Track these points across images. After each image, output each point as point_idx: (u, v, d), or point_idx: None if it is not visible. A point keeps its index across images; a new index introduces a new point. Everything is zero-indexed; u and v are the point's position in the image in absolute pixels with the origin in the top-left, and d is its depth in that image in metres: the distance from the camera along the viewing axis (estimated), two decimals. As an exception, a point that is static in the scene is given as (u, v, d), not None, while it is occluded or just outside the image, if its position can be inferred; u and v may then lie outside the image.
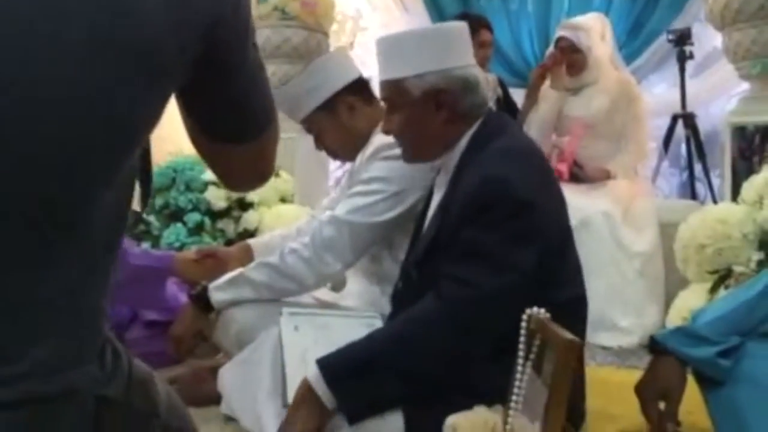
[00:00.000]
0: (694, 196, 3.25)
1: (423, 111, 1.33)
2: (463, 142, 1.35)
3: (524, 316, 1.02)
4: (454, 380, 1.19)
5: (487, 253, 1.19)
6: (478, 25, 2.88)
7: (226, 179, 0.89)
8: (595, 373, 1.88)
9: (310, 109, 1.75)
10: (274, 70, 3.40)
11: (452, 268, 1.22)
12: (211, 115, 0.80)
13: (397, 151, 1.64)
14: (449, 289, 1.20)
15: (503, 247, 1.19)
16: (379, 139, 1.69)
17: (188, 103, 0.80)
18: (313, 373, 1.18)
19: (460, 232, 1.23)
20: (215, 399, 1.62)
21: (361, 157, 1.76)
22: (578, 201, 2.65)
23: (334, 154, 1.85)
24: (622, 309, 2.47)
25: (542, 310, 1.00)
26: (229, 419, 1.57)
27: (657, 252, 2.59)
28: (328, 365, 1.19)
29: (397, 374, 1.17)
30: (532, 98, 3.03)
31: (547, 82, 2.99)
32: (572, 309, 1.28)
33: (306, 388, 1.17)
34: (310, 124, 1.79)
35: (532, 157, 1.32)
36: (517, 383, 1.01)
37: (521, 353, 1.01)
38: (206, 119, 0.80)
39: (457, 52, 1.35)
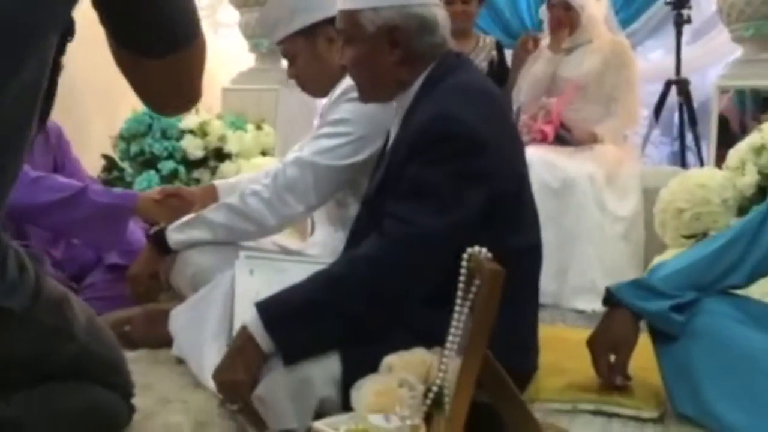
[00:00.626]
0: (684, 165, 3.21)
1: (376, 48, 1.30)
2: (418, 82, 1.32)
3: (465, 255, 0.99)
4: (396, 322, 1.17)
5: (431, 190, 1.17)
6: None
7: (149, 99, 0.86)
8: (557, 332, 1.87)
9: (290, 32, 1.71)
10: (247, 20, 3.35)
11: (395, 207, 1.20)
12: (127, 24, 0.76)
13: None
14: (391, 228, 1.17)
15: (448, 185, 1.16)
16: (348, 80, 1.65)
17: (104, 12, 0.76)
18: (251, 316, 1.16)
19: (406, 169, 1.20)
20: (168, 341, 1.61)
21: (329, 99, 1.72)
22: (563, 163, 2.62)
23: (303, 85, 1.81)
24: (603, 273, 2.46)
25: (484, 250, 0.98)
26: (180, 362, 1.56)
27: (639, 217, 2.57)
28: (265, 308, 1.16)
29: (336, 314, 1.14)
30: (517, 68, 2.98)
31: (544, 43, 2.93)
32: (526, 258, 1.26)
33: (245, 334, 1.15)
34: (287, 46, 1.74)
35: (487, 96, 1.28)
36: (454, 323, 0.98)
37: (460, 293, 0.98)
38: (122, 29, 0.77)
39: None
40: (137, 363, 1.62)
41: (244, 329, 1.15)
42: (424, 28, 1.29)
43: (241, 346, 1.14)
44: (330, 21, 1.68)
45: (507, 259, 1.00)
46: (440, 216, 1.15)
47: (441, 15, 1.33)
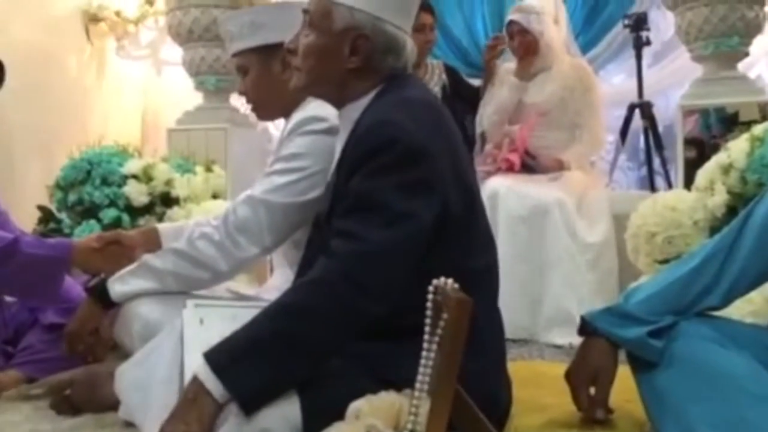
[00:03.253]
0: (653, 189, 3.29)
1: (335, 47, 1.31)
2: (369, 97, 1.33)
3: (431, 288, 0.99)
4: (357, 361, 1.15)
5: (375, 202, 1.16)
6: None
7: None
8: (534, 367, 1.87)
9: (245, 46, 1.73)
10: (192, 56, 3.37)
11: (342, 224, 1.19)
12: None
13: (320, 125, 1.61)
14: (339, 247, 1.16)
15: (393, 196, 1.15)
16: (301, 113, 1.66)
17: None
18: (200, 364, 1.13)
19: (350, 183, 1.20)
20: (115, 404, 1.56)
21: (282, 133, 1.73)
22: (531, 191, 2.67)
23: (251, 104, 1.82)
24: (576, 303, 2.49)
25: (450, 281, 0.98)
26: (129, 425, 1.51)
27: (610, 244, 2.62)
28: (214, 352, 1.13)
29: (289, 347, 1.11)
30: (487, 77, 3.06)
31: (511, 65, 3.02)
32: (483, 277, 1.26)
33: (195, 384, 1.11)
34: (241, 60, 1.76)
35: (429, 109, 1.30)
36: (423, 361, 0.97)
37: (428, 328, 0.98)
38: None
39: (398, 10, 1.34)
40: (81, 429, 1.56)
41: (194, 379, 1.12)
42: (390, 48, 1.32)
43: (193, 397, 1.10)
44: None
45: (465, 280, 1.00)
46: (390, 228, 1.14)
47: (410, 44, 1.36)
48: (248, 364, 1.11)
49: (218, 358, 1.12)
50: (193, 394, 1.11)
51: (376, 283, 1.14)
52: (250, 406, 1.09)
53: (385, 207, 1.16)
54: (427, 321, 0.98)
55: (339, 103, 1.39)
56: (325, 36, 1.32)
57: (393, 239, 1.14)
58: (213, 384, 1.10)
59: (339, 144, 1.39)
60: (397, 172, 1.17)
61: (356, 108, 1.33)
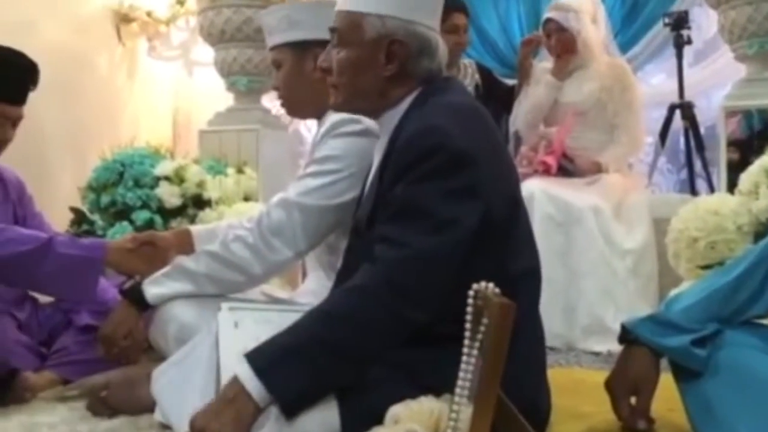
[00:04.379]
0: (694, 192, 3.25)
1: (370, 56, 1.34)
2: (407, 101, 1.35)
3: (471, 292, 1.00)
4: (400, 369, 1.16)
5: (420, 208, 1.18)
6: (450, 7, 2.90)
7: None
8: (572, 374, 1.88)
9: (281, 41, 1.79)
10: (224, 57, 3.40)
11: (386, 230, 1.21)
12: None
13: (355, 127, 1.63)
14: (384, 253, 1.18)
15: (438, 202, 1.18)
16: (336, 115, 1.68)
17: None
18: (241, 366, 1.15)
19: (395, 189, 1.22)
20: (150, 406, 1.59)
21: (316, 136, 1.75)
22: (567, 196, 2.66)
23: (282, 99, 1.85)
24: (613, 310, 2.48)
25: (491, 285, 0.99)
26: (165, 427, 1.54)
27: (650, 249, 2.60)
28: (256, 355, 1.15)
29: (333, 353, 1.13)
30: (522, 75, 3.05)
31: (547, 65, 3.01)
32: (525, 283, 1.27)
33: (236, 385, 1.13)
34: (276, 54, 1.81)
35: (476, 114, 1.31)
36: (463, 366, 0.99)
37: (468, 333, 0.99)
38: None
39: (427, 10, 1.37)
40: (117, 431, 1.60)
41: (234, 379, 1.14)
42: (423, 50, 1.34)
43: (232, 398, 1.12)
44: (322, 43, 1.75)
45: (506, 285, 1.02)
46: (435, 235, 1.16)
47: (441, 43, 1.38)
48: (290, 369, 1.12)
49: (260, 360, 1.14)
50: (232, 394, 1.13)
51: (420, 289, 1.15)
52: (292, 409, 1.11)
53: (430, 213, 1.17)
54: (467, 326, 1.00)
55: (377, 113, 1.40)
56: (358, 48, 1.34)
57: (437, 246, 1.16)
58: (254, 385, 1.12)
59: (378, 150, 1.41)
60: (442, 179, 1.19)
61: (395, 114, 1.35)
